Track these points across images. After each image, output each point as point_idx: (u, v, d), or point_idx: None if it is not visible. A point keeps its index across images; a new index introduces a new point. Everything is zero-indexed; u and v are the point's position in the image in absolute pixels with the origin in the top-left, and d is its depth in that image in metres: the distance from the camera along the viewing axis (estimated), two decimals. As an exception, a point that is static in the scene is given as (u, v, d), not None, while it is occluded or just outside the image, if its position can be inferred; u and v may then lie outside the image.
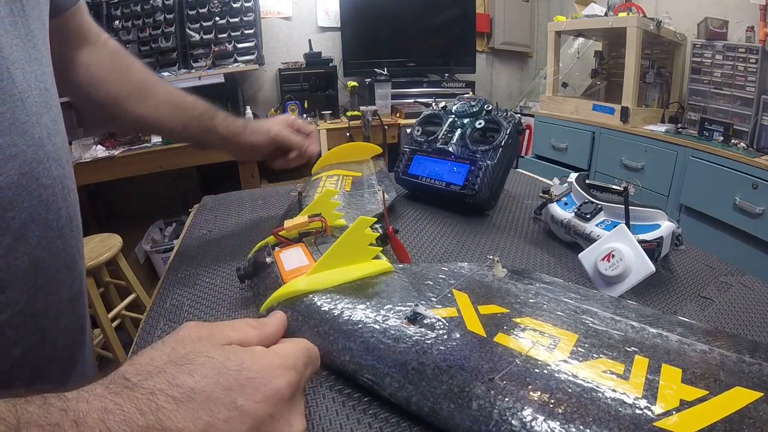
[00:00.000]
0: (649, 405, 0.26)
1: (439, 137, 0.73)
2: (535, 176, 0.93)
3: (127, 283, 1.62)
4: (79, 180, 0.42)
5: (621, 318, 0.35)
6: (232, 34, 2.12)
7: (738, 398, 0.26)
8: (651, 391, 0.27)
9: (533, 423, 0.26)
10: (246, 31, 2.13)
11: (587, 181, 0.62)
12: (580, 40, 2.45)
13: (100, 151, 1.81)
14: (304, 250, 0.47)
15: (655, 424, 0.25)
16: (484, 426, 0.27)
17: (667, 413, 0.25)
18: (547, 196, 0.61)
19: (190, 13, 2.06)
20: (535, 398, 0.27)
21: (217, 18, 2.08)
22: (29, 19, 0.33)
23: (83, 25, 0.52)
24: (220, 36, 2.10)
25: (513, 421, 0.26)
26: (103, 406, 0.20)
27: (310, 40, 2.33)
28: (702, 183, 1.63)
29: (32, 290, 0.33)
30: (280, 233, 0.49)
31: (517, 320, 0.35)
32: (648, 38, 1.90)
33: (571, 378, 0.28)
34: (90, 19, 0.53)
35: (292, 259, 0.45)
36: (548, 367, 0.29)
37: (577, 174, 0.64)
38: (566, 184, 0.63)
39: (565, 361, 0.30)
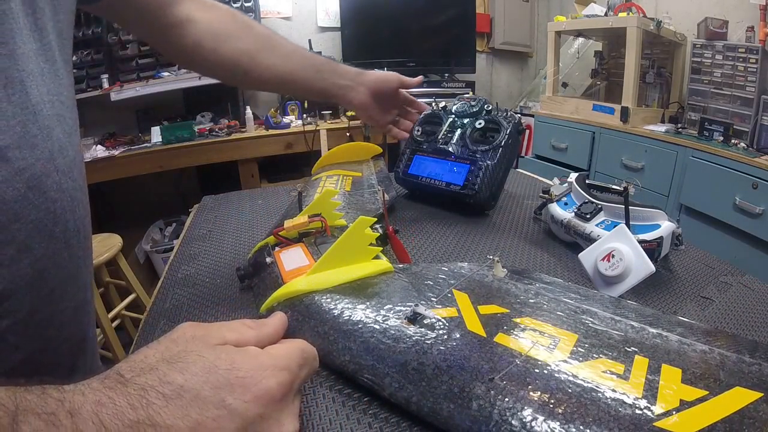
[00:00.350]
0: (649, 405, 0.26)
1: (439, 137, 0.73)
2: (535, 176, 0.93)
3: (127, 283, 1.62)
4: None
5: (621, 318, 0.35)
6: (232, 34, 2.12)
7: (738, 398, 0.26)
8: (651, 391, 0.27)
9: (533, 423, 0.26)
10: (246, 31, 2.13)
11: (587, 181, 0.62)
12: (580, 40, 2.45)
13: (100, 151, 1.81)
14: (304, 250, 0.47)
15: (655, 424, 0.25)
16: (484, 426, 0.27)
17: (667, 413, 0.25)
18: (547, 196, 0.61)
19: (190, 13, 2.06)
20: (535, 398, 0.27)
21: (217, 18, 2.08)
22: (44, 31, 0.33)
23: None
24: (220, 36, 2.11)
25: (513, 422, 0.26)
26: (97, 399, 0.21)
27: (310, 40, 2.33)
28: (702, 183, 1.63)
29: (36, 300, 0.33)
30: (280, 233, 0.49)
31: (517, 320, 0.35)
32: (648, 38, 1.91)
33: (571, 378, 0.28)
34: None
35: (292, 259, 0.45)
36: (548, 367, 0.29)
37: (577, 174, 0.64)
38: (566, 184, 0.63)
39: (565, 361, 0.30)
